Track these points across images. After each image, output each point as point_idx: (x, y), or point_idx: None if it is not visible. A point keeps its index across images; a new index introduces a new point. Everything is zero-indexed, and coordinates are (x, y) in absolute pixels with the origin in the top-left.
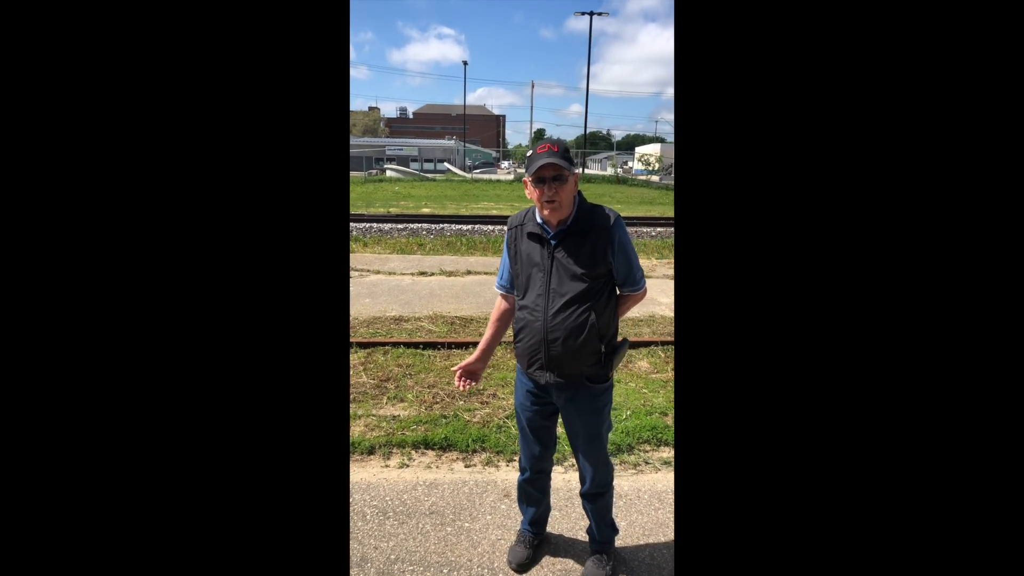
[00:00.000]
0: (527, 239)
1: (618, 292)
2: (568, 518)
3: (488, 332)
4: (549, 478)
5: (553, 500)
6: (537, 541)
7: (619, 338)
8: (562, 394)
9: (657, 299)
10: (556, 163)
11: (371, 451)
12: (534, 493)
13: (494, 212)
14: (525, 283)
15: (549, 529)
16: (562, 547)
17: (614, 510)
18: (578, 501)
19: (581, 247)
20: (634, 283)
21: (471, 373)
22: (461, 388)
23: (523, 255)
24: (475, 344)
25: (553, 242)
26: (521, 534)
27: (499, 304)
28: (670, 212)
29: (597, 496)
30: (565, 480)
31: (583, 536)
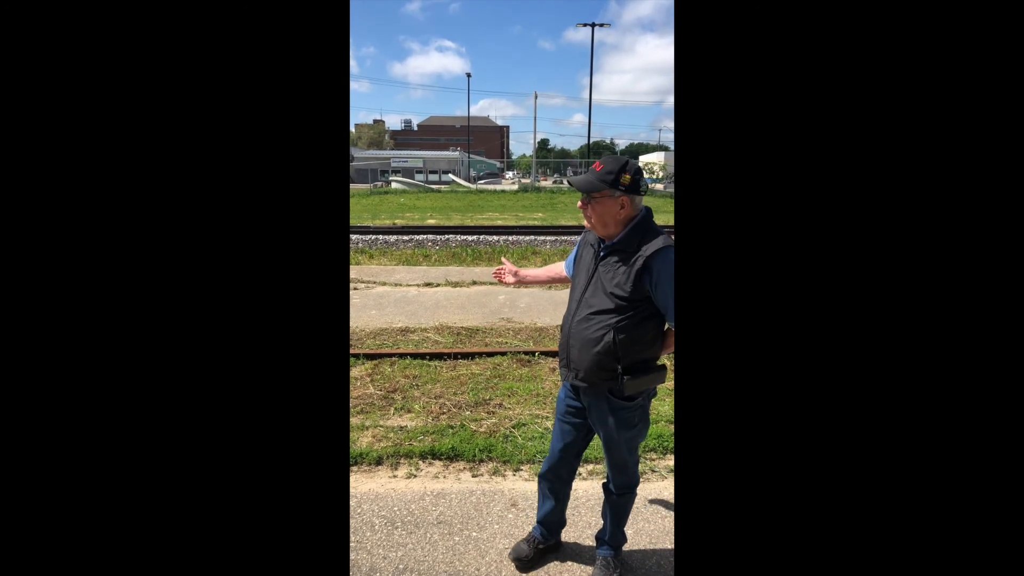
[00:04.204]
0: (588, 244)
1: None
2: (575, 527)
3: (538, 270)
4: (566, 486)
5: None
6: (543, 545)
7: (659, 363)
8: (585, 397)
9: None
10: (581, 182)
11: (379, 461)
12: (546, 491)
13: (499, 222)
14: (574, 282)
15: None
16: (568, 554)
17: None
18: (586, 510)
19: (619, 267)
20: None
21: (512, 273)
22: (494, 275)
23: (582, 257)
24: (480, 355)
25: (602, 254)
26: (529, 534)
27: (560, 267)
28: None
29: (616, 496)
30: (573, 490)
31: (590, 544)
